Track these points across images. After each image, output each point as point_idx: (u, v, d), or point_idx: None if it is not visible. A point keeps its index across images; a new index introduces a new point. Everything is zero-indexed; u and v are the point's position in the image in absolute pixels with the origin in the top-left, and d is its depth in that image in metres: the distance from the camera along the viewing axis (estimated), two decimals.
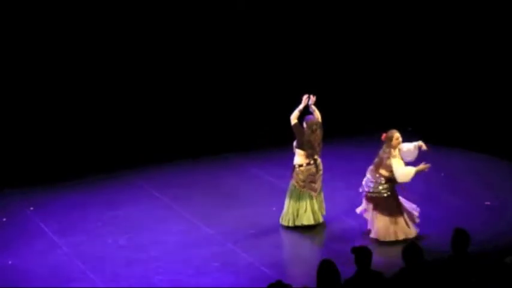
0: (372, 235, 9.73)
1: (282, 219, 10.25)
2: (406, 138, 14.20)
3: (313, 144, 9.95)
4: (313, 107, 10.15)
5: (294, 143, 10.11)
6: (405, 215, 9.75)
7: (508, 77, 13.35)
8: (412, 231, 9.72)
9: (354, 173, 12.15)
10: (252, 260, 9.33)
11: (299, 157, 10.05)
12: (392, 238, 9.62)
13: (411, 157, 9.88)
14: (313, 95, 10.13)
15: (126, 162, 12.68)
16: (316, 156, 10.07)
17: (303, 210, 10.05)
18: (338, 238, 9.91)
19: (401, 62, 14.58)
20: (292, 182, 10.10)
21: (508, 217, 10.40)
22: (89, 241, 9.94)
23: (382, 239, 9.64)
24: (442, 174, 12.10)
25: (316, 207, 10.12)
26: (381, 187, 9.65)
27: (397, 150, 9.64)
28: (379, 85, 14.74)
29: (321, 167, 10.16)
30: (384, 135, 9.68)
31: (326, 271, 6.34)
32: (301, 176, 10.02)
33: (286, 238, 10.14)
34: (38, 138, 12.51)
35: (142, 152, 12.98)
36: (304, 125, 10.00)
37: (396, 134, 9.63)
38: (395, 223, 9.65)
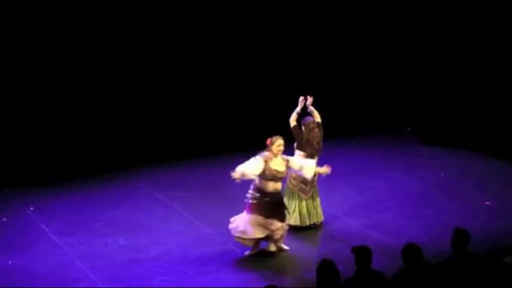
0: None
1: None
2: (406, 138, 14.32)
3: (312, 142, 9.96)
4: (311, 108, 10.16)
5: (295, 146, 10.13)
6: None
7: (507, 77, 13.35)
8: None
9: (353, 173, 12.24)
10: (252, 260, 9.32)
11: (298, 157, 10.06)
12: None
13: (307, 175, 9.53)
14: (310, 95, 10.14)
15: (126, 163, 12.68)
16: (314, 160, 10.04)
17: (291, 209, 10.07)
18: (338, 238, 9.91)
19: (401, 62, 14.59)
20: (287, 179, 10.13)
21: (508, 217, 10.41)
22: (89, 241, 9.93)
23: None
24: (442, 174, 12.12)
25: (305, 210, 10.09)
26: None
27: (276, 159, 9.21)
28: (378, 85, 14.75)
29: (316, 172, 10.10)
30: (268, 140, 9.28)
31: (326, 271, 6.34)
32: (294, 175, 10.03)
33: (286, 238, 10.14)
34: (38, 138, 12.50)
35: (142, 152, 12.98)
36: (302, 126, 10.02)
37: (279, 141, 9.23)
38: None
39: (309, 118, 10.09)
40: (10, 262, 9.36)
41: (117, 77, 13.02)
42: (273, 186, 9.28)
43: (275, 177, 9.22)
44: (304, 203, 10.08)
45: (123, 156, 12.81)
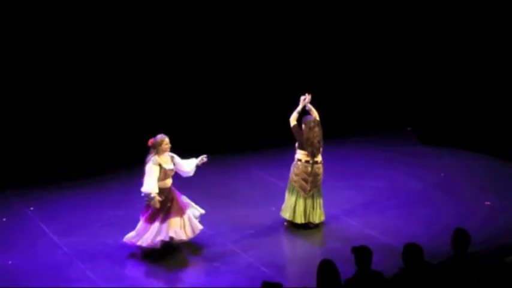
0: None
1: (281, 210, 10.30)
2: (406, 138, 14.31)
3: (313, 141, 9.95)
4: (310, 106, 10.16)
5: (296, 145, 10.14)
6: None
7: (507, 77, 13.36)
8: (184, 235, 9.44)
9: (353, 173, 12.24)
10: (252, 260, 9.33)
11: (300, 155, 10.07)
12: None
13: (190, 172, 9.73)
14: (308, 93, 10.14)
15: (126, 163, 12.67)
16: (317, 158, 10.05)
17: (289, 203, 10.11)
18: (338, 238, 9.92)
19: (401, 62, 14.60)
20: (290, 174, 10.14)
21: (508, 217, 10.41)
22: (89, 241, 9.92)
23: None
24: (442, 175, 12.12)
25: (301, 208, 10.05)
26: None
27: (164, 157, 9.39)
28: (378, 85, 14.75)
29: (320, 171, 10.08)
30: (151, 141, 9.42)
31: (326, 271, 6.35)
32: (296, 171, 10.05)
33: (286, 238, 10.15)
34: (38, 138, 12.50)
35: (142, 152, 12.95)
36: (303, 125, 10.02)
37: (167, 139, 9.38)
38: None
39: (309, 117, 10.09)
40: (10, 262, 9.37)
41: (117, 77, 13.02)
42: (168, 183, 9.41)
43: (167, 175, 9.37)
44: (301, 201, 10.06)
45: (123, 156, 12.79)
